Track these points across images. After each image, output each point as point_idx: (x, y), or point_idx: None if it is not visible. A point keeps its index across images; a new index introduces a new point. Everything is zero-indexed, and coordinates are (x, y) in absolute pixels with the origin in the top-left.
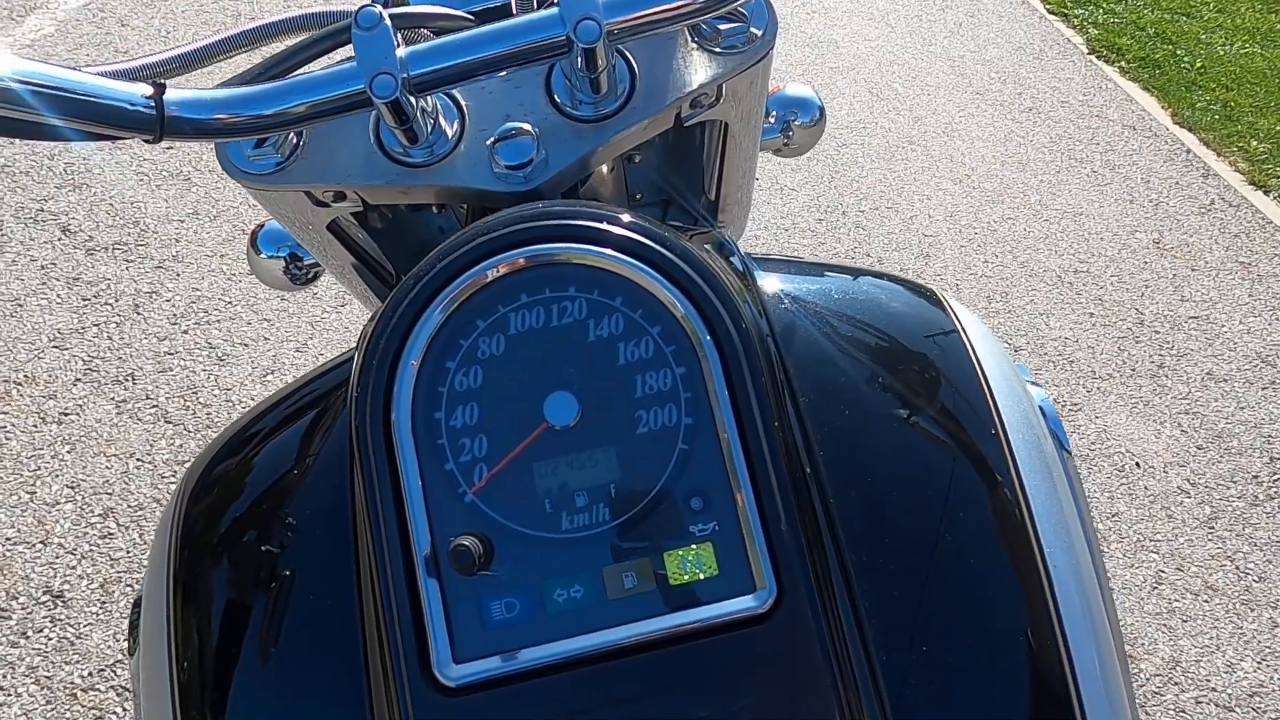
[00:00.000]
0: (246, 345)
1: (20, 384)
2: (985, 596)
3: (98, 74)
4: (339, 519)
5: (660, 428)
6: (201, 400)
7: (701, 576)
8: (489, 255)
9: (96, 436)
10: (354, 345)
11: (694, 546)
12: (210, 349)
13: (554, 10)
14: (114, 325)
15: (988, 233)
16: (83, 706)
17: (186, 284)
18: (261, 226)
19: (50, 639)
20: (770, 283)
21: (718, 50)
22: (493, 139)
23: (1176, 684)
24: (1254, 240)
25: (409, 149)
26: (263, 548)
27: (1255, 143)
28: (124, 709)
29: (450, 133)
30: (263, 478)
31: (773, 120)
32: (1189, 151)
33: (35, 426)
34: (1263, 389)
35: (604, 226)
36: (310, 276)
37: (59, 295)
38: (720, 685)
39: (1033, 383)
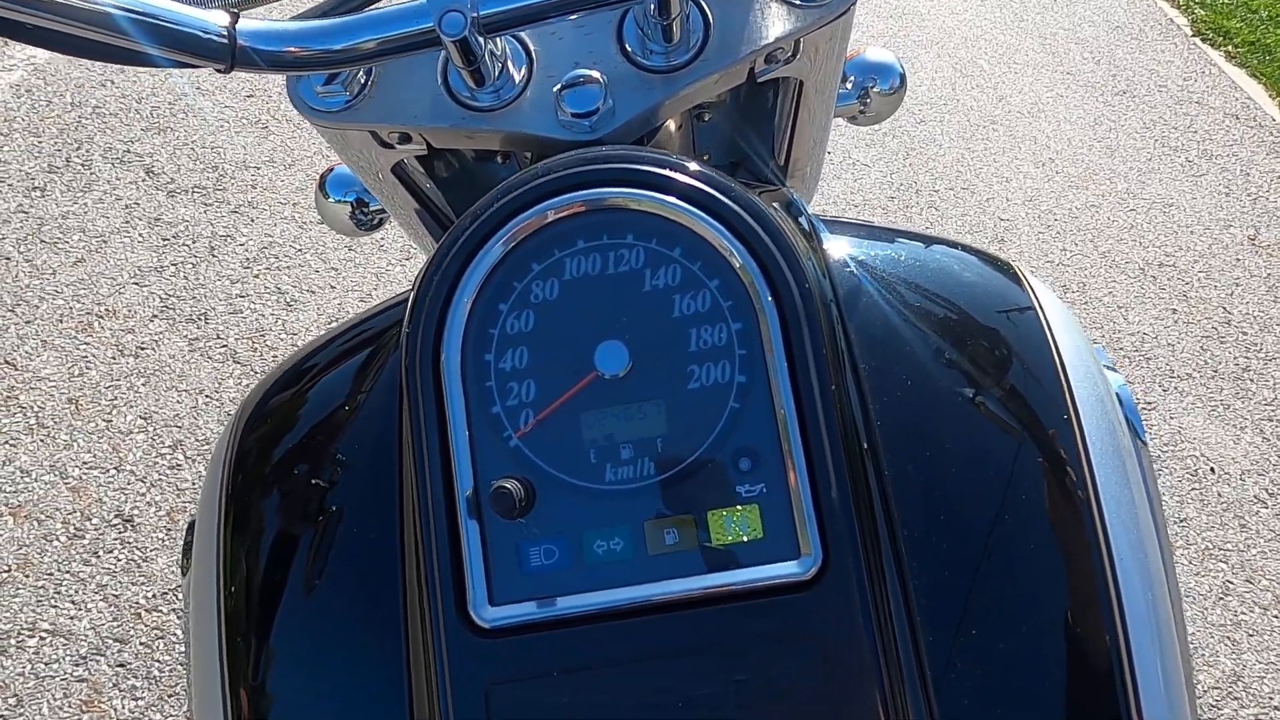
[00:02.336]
0: (314, 292)
1: (102, 317)
2: (1042, 588)
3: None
4: (386, 456)
5: (712, 384)
6: (268, 343)
7: (745, 539)
8: (548, 196)
9: (169, 372)
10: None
11: (739, 507)
12: (279, 294)
13: None
14: (190, 266)
15: (1068, 219)
16: (145, 625)
17: (260, 229)
18: (330, 170)
19: (119, 560)
20: (838, 245)
21: (797, 3)
22: (560, 86)
23: (1236, 699)
24: None
25: (475, 92)
26: (311, 481)
27: None
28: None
29: (518, 78)
30: (315, 412)
31: (850, 85)
32: None
33: (114, 358)
34: None
35: (666, 173)
36: (375, 223)
37: (140, 234)
38: (756, 650)
39: (1110, 368)
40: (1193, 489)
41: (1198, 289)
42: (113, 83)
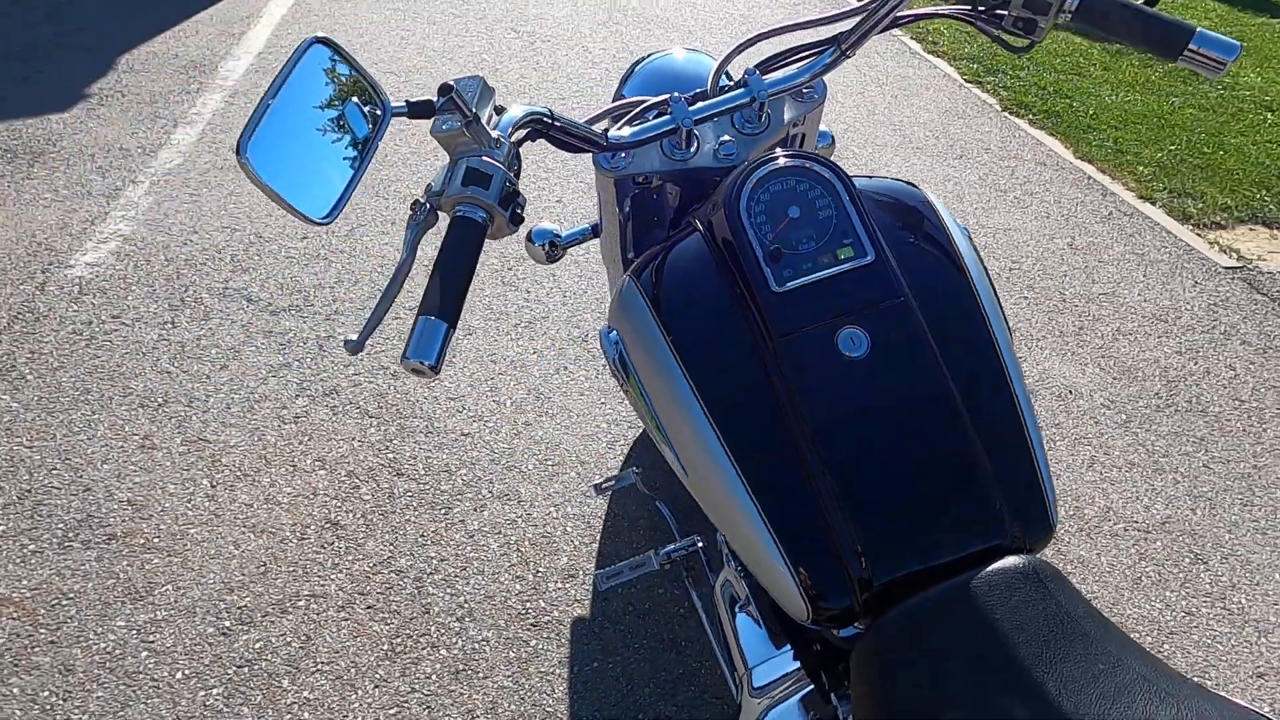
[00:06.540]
0: None
1: (258, 401)
2: (941, 289)
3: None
4: (721, 260)
5: (827, 219)
6: (389, 402)
7: (845, 256)
8: (766, 164)
9: (323, 430)
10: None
11: (844, 249)
12: (384, 368)
13: (746, 89)
14: (309, 358)
15: None
16: (376, 583)
17: (352, 329)
18: (531, 229)
19: (336, 549)
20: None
21: (802, 101)
22: (713, 146)
23: (1110, 521)
24: (1145, 238)
25: (677, 153)
26: (689, 268)
27: (1141, 167)
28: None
29: (692, 147)
30: (670, 258)
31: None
32: (1090, 178)
33: (279, 425)
34: (1158, 338)
35: (804, 155)
36: (559, 256)
37: (260, 343)
38: (857, 287)
39: (959, 224)
40: (1060, 405)
41: (1039, 281)
42: (192, 241)
